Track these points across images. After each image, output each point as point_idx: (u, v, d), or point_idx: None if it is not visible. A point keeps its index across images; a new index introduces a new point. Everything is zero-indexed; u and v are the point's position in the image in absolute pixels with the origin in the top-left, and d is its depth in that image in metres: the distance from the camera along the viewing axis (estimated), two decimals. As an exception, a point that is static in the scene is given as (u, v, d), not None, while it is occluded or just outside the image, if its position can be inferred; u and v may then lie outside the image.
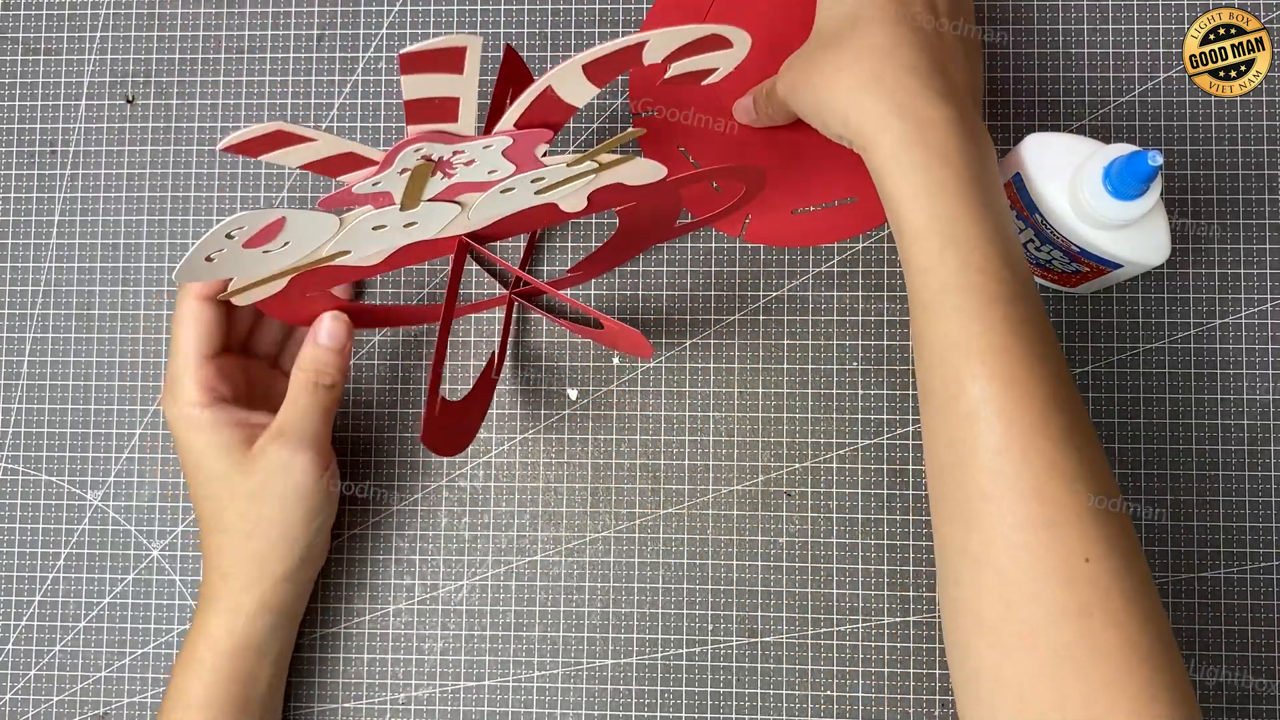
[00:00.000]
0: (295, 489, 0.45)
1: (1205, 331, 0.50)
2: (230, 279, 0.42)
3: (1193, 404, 0.50)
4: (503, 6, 0.53)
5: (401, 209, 0.39)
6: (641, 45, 0.34)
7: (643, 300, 0.52)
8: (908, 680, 0.49)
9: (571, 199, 0.43)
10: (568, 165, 0.39)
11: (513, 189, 0.40)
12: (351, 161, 0.35)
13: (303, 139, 0.33)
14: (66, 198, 0.54)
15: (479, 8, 0.53)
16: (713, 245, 0.52)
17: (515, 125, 0.36)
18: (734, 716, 0.50)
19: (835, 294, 0.51)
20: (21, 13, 0.55)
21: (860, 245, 0.51)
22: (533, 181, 0.40)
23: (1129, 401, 0.50)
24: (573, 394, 0.51)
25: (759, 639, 0.50)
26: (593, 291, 0.52)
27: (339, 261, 0.42)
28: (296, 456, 0.45)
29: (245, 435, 0.45)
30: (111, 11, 0.54)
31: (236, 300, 0.43)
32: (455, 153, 0.36)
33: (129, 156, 0.54)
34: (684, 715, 0.50)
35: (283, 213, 0.37)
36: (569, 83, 0.34)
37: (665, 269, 0.52)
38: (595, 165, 0.39)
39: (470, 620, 0.51)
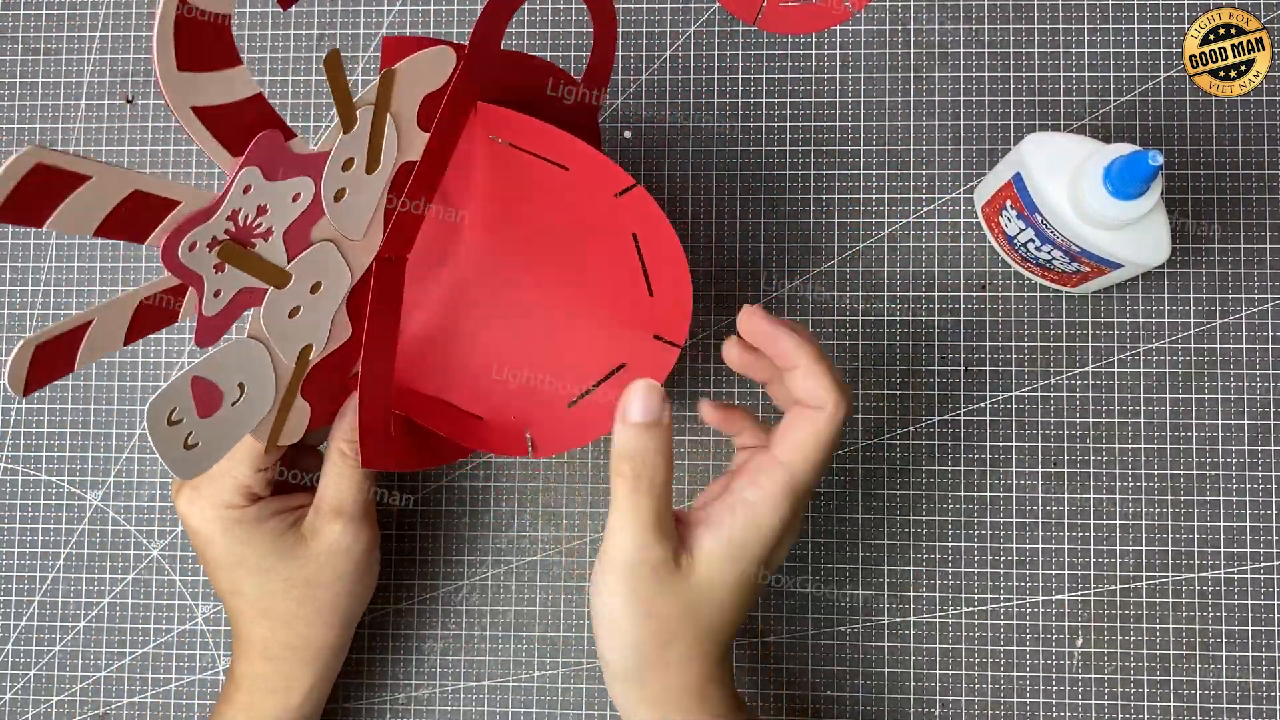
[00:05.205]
0: (355, 568, 0.44)
1: (1205, 331, 0.50)
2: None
3: (1193, 404, 0.50)
4: (503, 6, 0.53)
5: (282, 288, 0.36)
6: None
7: (643, 300, 0.52)
8: (908, 680, 0.49)
9: (408, 142, 0.38)
10: (344, 133, 0.35)
11: (344, 190, 0.37)
12: (145, 205, 0.31)
13: (76, 177, 0.28)
14: (66, 198, 0.54)
15: (478, 7, 0.53)
16: (712, 245, 0.52)
17: (234, 154, 0.32)
18: (734, 716, 0.50)
19: (835, 294, 0.51)
20: (21, 13, 0.55)
21: (860, 245, 0.51)
22: (344, 170, 0.36)
23: (1129, 401, 0.50)
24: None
25: (759, 639, 0.50)
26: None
27: (315, 355, 0.40)
28: (360, 536, 0.44)
29: (289, 520, 0.44)
30: (111, 11, 0.54)
31: (282, 441, 0.41)
32: (229, 219, 0.33)
33: (129, 156, 0.54)
34: (684, 715, 0.50)
35: (193, 372, 0.34)
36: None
37: (665, 269, 0.52)
38: (370, 102, 0.36)
39: (470, 620, 0.51)
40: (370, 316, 0.41)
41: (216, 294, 0.34)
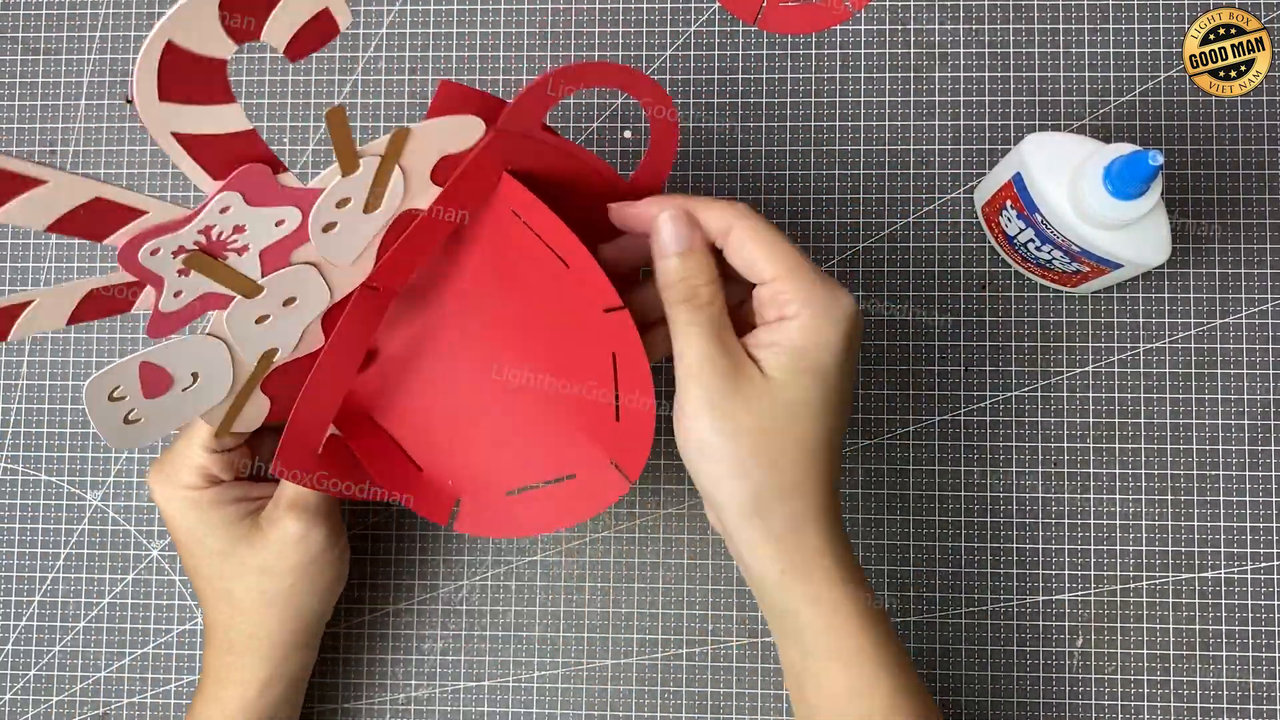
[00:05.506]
0: (311, 560, 0.44)
1: (1205, 331, 0.50)
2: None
3: (1193, 404, 0.50)
4: (502, 6, 0.53)
5: (251, 298, 0.37)
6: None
7: (643, 300, 0.52)
8: (908, 680, 0.49)
9: (416, 192, 0.39)
10: (343, 176, 0.36)
11: (335, 223, 0.37)
12: (107, 211, 0.31)
13: (31, 180, 0.29)
14: (66, 198, 0.54)
15: (478, 7, 0.53)
16: (713, 245, 0.52)
17: (216, 179, 0.32)
18: (734, 716, 0.50)
19: (835, 294, 0.51)
20: (21, 13, 0.55)
21: (860, 245, 0.51)
22: (339, 207, 0.37)
23: (1129, 401, 0.50)
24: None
25: (759, 639, 0.50)
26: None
27: (280, 359, 0.41)
28: (313, 530, 0.44)
29: (249, 508, 0.44)
30: (111, 11, 0.54)
31: (236, 429, 0.41)
32: (200, 233, 0.33)
33: (129, 156, 0.54)
34: (684, 715, 0.50)
35: (142, 358, 0.35)
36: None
37: (665, 269, 0.52)
38: (378, 154, 0.36)
39: (470, 620, 0.51)
40: (336, 334, 0.41)
41: (177, 294, 0.35)
